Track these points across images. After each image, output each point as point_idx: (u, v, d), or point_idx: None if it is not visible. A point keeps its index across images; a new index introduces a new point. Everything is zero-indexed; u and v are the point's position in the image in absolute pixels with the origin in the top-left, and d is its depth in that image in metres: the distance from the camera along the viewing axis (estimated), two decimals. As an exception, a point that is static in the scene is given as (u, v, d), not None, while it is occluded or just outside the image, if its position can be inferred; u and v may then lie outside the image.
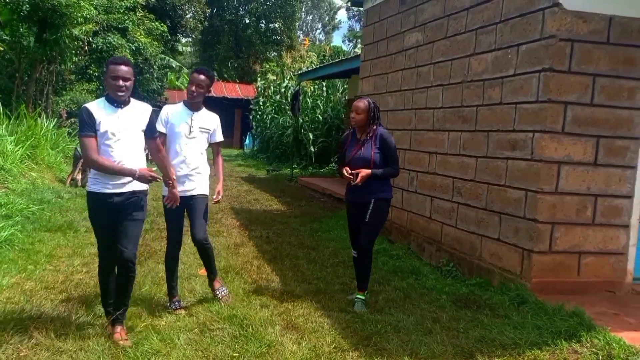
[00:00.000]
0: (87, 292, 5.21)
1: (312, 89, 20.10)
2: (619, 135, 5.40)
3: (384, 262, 6.94)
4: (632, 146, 5.44)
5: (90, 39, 19.96)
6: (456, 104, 6.74)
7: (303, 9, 57.12)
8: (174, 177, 4.48)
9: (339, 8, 62.39)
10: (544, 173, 5.28)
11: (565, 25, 5.19)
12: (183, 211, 4.85)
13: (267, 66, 25.60)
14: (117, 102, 4.05)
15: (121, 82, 3.97)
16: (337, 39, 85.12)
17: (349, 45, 67.49)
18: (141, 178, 4.05)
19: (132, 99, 4.17)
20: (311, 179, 15.78)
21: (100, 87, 20.02)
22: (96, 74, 20.96)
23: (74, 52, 16.96)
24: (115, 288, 4.23)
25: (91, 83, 20.27)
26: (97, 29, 19.23)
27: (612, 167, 5.42)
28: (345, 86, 20.67)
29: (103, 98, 4.11)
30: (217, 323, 4.50)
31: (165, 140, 4.84)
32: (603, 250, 5.47)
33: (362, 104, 5.16)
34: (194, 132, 4.86)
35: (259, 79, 24.14)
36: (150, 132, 4.25)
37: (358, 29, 71.38)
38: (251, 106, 24.66)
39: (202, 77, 4.85)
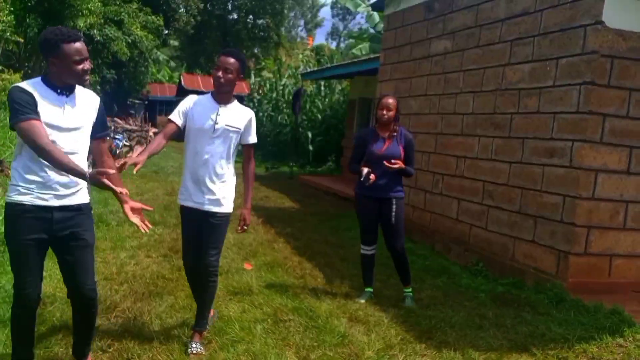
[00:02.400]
0: (144, 283, 5.42)
1: (311, 89, 20.38)
2: (650, 146, 5.80)
3: (413, 261, 7.20)
4: (662, 157, 5.84)
5: (88, 31, 19.97)
6: (488, 110, 7.09)
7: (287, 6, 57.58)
8: (126, 191, 3.07)
9: (322, 5, 62.85)
10: (583, 180, 5.65)
11: (607, 42, 5.57)
12: (200, 224, 4.00)
13: (263, 63, 25.75)
14: (62, 89, 3.10)
15: (87, 65, 3.08)
16: (319, 37, 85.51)
17: (332, 43, 67.88)
18: (96, 182, 2.92)
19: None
20: (312, 177, 16.08)
21: (101, 79, 20.02)
22: (92, 67, 20.97)
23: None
24: (78, 330, 3.44)
25: (90, 76, 20.25)
26: (100, 21, 19.21)
27: (644, 175, 5.82)
28: (341, 87, 21.03)
29: (38, 80, 3.11)
30: (285, 314, 4.77)
31: (175, 131, 3.98)
32: (632, 253, 5.88)
33: (392, 100, 5.32)
34: (219, 130, 3.91)
35: (253, 75, 24.32)
36: (100, 129, 3.33)
37: (342, 29, 71.81)
38: (244, 103, 24.81)
39: (231, 59, 3.88)
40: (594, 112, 5.61)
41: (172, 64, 40.99)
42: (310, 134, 18.80)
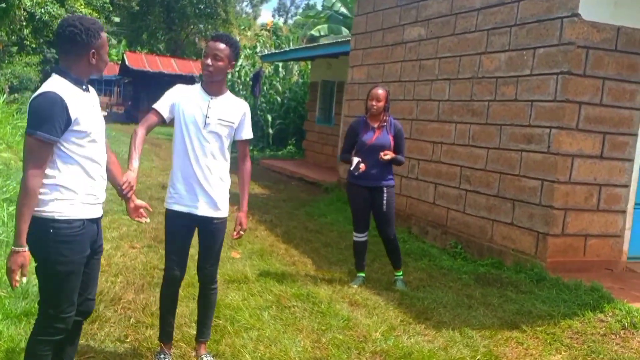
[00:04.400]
0: (139, 274, 5.63)
1: (268, 70, 20.50)
2: (621, 132, 6.35)
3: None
4: (631, 141, 6.41)
5: (31, 9, 19.48)
6: (465, 97, 7.53)
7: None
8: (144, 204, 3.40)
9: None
10: (560, 165, 6.16)
11: (583, 34, 6.06)
12: (192, 233, 3.85)
13: (216, 43, 25.57)
14: (86, 85, 2.97)
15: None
16: (265, 13, 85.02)
17: (279, 19, 67.51)
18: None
19: None
20: (274, 162, 16.33)
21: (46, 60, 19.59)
22: (33, 46, 20.49)
23: (20, 23, 16.60)
24: (67, 350, 3.23)
25: (32, 55, 19.80)
26: (47, -2, 18.77)
27: (615, 160, 6.37)
28: (299, 68, 21.24)
29: (61, 79, 2.87)
30: (288, 301, 5.10)
31: (157, 123, 3.74)
32: (604, 233, 6.44)
33: (382, 91, 5.69)
34: (211, 124, 3.67)
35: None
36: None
37: (289, 5, 71.51)
38: (196, 83, 24.68)
39: (221, 44, 3.63)
40: (570, 100, 6.10)
41: (113, 40, 40.08)
42: (270, 117, 18.99)
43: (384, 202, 5.72)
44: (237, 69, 21.32)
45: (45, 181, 2.81)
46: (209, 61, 3.62)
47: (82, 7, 22.45)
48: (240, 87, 19.97)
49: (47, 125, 2.71)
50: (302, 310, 4.92)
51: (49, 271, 2.88)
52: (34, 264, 2.92)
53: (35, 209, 2.77)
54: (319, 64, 16.27)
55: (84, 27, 2.84)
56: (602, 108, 6.24)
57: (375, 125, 5.69)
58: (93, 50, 2.88)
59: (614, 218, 6.47)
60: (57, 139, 2.76)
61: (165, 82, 32.34)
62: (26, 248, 2.75)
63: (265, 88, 19.47)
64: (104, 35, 2.93)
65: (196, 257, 3.92)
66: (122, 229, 7.39)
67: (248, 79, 19.27)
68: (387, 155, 5.53)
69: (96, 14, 23.98)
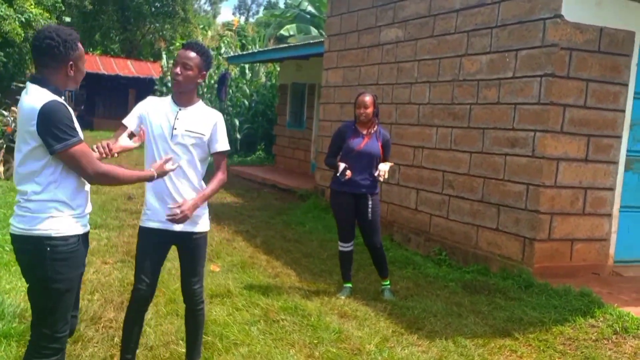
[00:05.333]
0: (116, 291, 5.63)
1: (235, 72, 20.49)
2: (605, 134, 6.59)
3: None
4: (615, 144, 6.65)
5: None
6: (445, 101, 7.71)
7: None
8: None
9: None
10: (546, 169, 6.36)
11: (566, 35, 6.28)
12: (167, 251, 3.89)
13: (177, 43, 25.46)
14: (62, 94, 3.04)
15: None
16: (225, 12, 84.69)
17: (239, 17, 67.39)
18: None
19: None
20: (244, 168, 16.35)
21: None
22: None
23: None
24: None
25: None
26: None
27: (599, 162, 6.61)
28: (266, 69, 21.29)
29: (48, 92, 2.91)
30: (276, 314, 5.17)
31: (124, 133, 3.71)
32: (591, 237, 6.67)
33: (368, 98, 5.83)
34: (178, 135, 3.68)
35: (165, 56, 24.05)
36: None
37: (250, 3, 71.47)
38: (156, 87, 24.54)
39: (191, 53, 3.66)
40: (555, 102, 6.31)
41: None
42: (237, 122, 18.99)
43: (369, 210, 5.84)
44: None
45: (42, 197, 2.87)
46: (177, 70, 3.65)
47: (32, 7, 22.15)
48: (205, 90, 19.89)
49: (73, 129, 2.87)
50: (292, 323, 4.99)
51: (46, 290, 2.92)
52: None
53: (29, 227, 2.85)
54: (288, 65, 16.36)
55: (62, 39, 2.89)
56: (586, 110, 6.47)
57: (364, 132, 5.81)
58: (71, 62, 2.95)
59: (600, 222, 6.70)
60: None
61: (121, 85, 32.17)
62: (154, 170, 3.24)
63: (231, 91, 19.47)
64: (80, 46, 2.99)
65: (174, 272, 3.94)
66: (91, 243, 7.29)
67: (213, 81, 19.20)
68: (382, 176, 5.66)
69: (47, 14, 23.68)
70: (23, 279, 5.46)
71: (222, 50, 21.52)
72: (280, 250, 7.65)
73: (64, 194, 2.93)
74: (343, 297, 5.81)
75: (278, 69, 18.83)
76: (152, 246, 3.76)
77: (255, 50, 18.47)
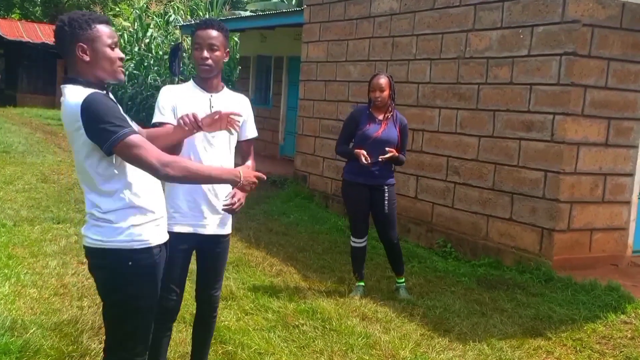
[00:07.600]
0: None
1: (187, 43, 20.16)
2: (625, 117, 6.81)
3: (373, 246, 7.88)
4: (635, 127, 6.89)
5: None
6: (450, 80, 7.81)
7: None
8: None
9: None
10: (566, 154, 6.54)
11: (588, 11, 6.43)
12: (190, 255, 3.79)
13: (118, 9, 24.87)
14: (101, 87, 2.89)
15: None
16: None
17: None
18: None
19: None
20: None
21: None
22: None
23: None
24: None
25: None
26: None
27: (619, 147, 6.83)
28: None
29: (79, 86, 2.79)
30: (293, 318, 5.20)
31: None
32: (610, 226, 6.91)
33: (384, 80, 5.87)
34: None
35: (103, 25, 23.39)
36: None
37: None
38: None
39: (214, 32, 3.56)
40: (576, 83, 6.48)
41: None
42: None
43: (386, 202, 5.90)
44: (146, 40, 20.87)
45: (115, 204, 2.76)
46: (205, 54, 3.53)
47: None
48: (152, 61, 19.56)
49: (119, 120, 2.66)
50: (313, 328, 5.03)
51: (128, 310, 2.83)
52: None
53: (107, 238, 2.74)
54: (251, 35, 16.21)
55: (69, 18, 2.75)
56: (607, 91, 6.66)
57: (381, 117, 5.83)
58: (80, 43, 2.72)
59: (619, 210, 6.94)
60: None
61: (48, 55, 31.13)
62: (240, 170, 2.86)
63: (184, 64, 19.17)
64: (100, 27, 2.76)
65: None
66: (60, 241, 7.22)
67: (162, 52, 18.87)
68: (390, 152, 5.68)
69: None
70: (8, 282, 5.42)
71: (172, 18, 21.15)
72: (272, 246, 7.65)
73: (139, 195, 2.81)
74: (357, 297, 5.87)
75: (237, 39, 18.63)
76: (180, 253, 3.61)
77: (212, 18, 18.17)
